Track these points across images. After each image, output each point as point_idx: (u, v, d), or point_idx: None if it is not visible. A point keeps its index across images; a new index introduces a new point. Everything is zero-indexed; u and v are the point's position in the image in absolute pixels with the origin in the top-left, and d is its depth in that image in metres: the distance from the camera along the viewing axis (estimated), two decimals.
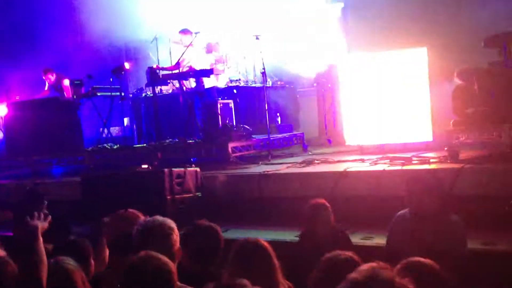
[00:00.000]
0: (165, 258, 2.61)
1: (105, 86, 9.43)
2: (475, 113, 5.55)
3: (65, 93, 9.45)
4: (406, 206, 3.97)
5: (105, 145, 8.57)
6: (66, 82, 9.47)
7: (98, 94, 9.20)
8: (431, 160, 5.58)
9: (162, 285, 2.52)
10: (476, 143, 5.17)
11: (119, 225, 3.54)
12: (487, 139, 5.12)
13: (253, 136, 7.98)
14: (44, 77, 9.65)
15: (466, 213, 4.09)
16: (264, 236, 4.31)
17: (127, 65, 9.50)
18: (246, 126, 8.04)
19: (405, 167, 5.46)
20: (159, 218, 3.15)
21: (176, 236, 3.11)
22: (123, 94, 9.42)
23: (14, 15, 11.28)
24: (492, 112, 5.44)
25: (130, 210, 3.72)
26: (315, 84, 9.28)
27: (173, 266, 2.65)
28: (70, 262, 2.82)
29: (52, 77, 9.59)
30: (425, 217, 3.76)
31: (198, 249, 3.33)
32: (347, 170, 5.69)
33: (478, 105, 5.47)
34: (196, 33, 9.15)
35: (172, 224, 3.14)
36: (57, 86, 9.61)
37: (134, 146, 8.36)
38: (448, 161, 5.33)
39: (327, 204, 4.14)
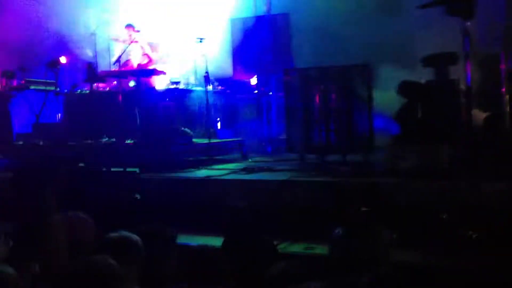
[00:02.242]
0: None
1: (39, 80, 9.07)
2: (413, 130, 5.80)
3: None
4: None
5: (36, 141, 8.20)
6: None
7: (31, 87, 8.83)
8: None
9: None
10: (416, 157, 5.35)
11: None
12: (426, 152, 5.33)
13: (194, 140, 7.92)
14: None
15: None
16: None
17: (63, 59, 9.20)
18: (187, 130, 7.97)
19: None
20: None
21: None
22: (57, 89, 9.10)
23: None
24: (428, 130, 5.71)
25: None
26: (256, 91, 9.33)
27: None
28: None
29: None
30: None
31: None
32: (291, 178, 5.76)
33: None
34: (138, 30, 9.02)
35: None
36: None
37: (68, 143, 8.05)
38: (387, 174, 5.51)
39: None
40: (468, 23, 5.34)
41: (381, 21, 8.61)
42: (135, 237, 3.12)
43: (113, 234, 3.14)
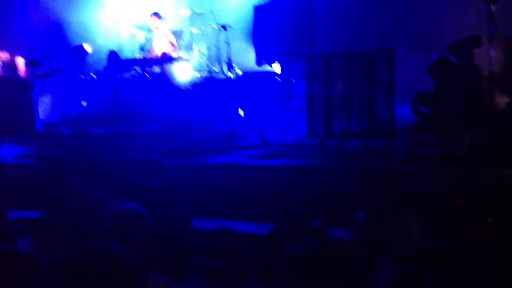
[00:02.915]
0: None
1: (63, 68, 9.20)
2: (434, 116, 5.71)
3: (19, 72, 9.10)
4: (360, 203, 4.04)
5: (61, 129, 8.34)
6: (20, 61, 9.13)
7: (55, 75, 8.97)
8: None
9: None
10: (436, 142, 5.29)
11: None
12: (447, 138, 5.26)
13: (217, 126, 7.96)
14: None
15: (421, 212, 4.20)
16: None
17: (87, 47, 9.30)
18: (209, 116, 8.01)
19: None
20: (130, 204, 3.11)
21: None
22: (82, 76, 9.21)
23: None
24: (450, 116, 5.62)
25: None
26: (278, 79, 9.28)
27: None
28: None
29: (4, 56, 9.22)
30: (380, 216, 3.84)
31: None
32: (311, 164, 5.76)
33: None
34: (163, 18, 9.07)
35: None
36: (10, 65, 9.25)
37: (91, 132, 8.16)
38: (408, 160, 5.45)
39: None
40: (493, 7, 5.22)
41: (405, 4, 8.47)
42: (143, 210, 3.12)
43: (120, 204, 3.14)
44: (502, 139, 5.01)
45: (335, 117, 6.78)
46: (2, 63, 9.24)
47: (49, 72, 8.76)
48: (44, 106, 9.31)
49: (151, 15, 9.19)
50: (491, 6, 5.22)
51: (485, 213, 4.16)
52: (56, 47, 10.08)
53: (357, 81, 6.72)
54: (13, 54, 9.23)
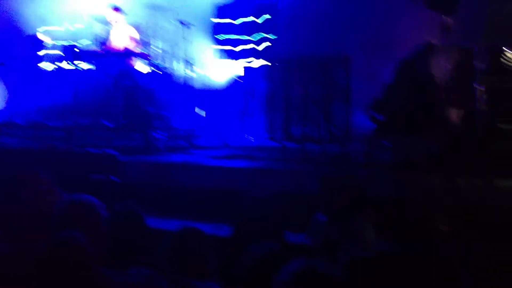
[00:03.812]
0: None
1: (17, 58, 8.97)
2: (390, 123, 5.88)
3: None
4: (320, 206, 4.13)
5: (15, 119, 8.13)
6: None
7: (9, 64, 8.74)
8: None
9: None
10: (392, 149, 5.45)
11: None
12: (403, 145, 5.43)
13: (175, 125, 7.93)
14: None
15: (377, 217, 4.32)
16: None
17: (43, 37, 9.08)
18: (168, 114, 7.97)
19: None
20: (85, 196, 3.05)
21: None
22: (37, 66, 8.99)
23: None
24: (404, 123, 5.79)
25: None
26: (238, 80, 9.32)
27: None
28: None
29: None
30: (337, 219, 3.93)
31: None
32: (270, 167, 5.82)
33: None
34: (122, 12, 8.94)
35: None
36: None
37: (47, 123, 7.99)
38: (365, 165, 5.59)
39: None
40: (448, 18, 5.40)
41: (361, 9, 8.64)
42: (98, 203, 3.08)
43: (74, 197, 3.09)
44: (455, 148, 5.20)
45: (294, 120, 6.88)
46: None
47: (2, 62, 8.50)
48: None
49: (110, 8, 9.03)
50: (446, 16, 5.39)
51: (437, 219, 4.32)
52: (12, 36, 9.80)
53: (314, 85, 6.85)
54: None
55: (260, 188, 5.56)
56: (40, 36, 9.06)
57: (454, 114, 5.77)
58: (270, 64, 7.45)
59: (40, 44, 8.96)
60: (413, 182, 5.03)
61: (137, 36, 9.19)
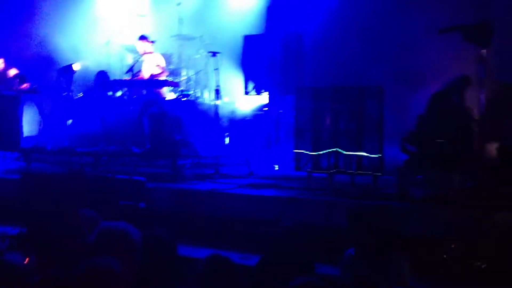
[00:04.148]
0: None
1: (50, 85, 9.14)
2: (424, 155, 5.76)
3: (8, 84, 9.00)
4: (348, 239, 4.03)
5: (45, 145, 8.23)
6: (13, 71, 9.03)
7: (43, 91, 8.90)
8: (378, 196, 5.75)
9: None
10: (426, 182, 5.33)
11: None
12: (437, 179, 5.30)
13: (201, 153, 7.92)
14: None
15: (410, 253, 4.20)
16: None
17: (76, 66, 9.25)
18: (194, 142, 7.97)
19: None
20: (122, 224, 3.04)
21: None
22: (68, 94, 9.14)
23: None
24: (439, 156, 5.66)
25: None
26: (266, 109, 9.33)
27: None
28: None
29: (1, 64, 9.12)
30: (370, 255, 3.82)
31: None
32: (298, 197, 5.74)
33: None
34: (153, 41, 9.07)
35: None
36: (3, 75, 9.13)
37: (76, 149, 8.05)
38: (397, 198, 5.47)
39: None
40: (484, 51, 5.34)
41: (394, 43, 8.64)
42: (134, 230, 3.07)
43: (112, 224, 3.08)
44: (491, 182, 5.06)
45: (323, 150, 6.80)
46: None
47: (37, 88, 8.67)
48: (29, 121, 9.19)
49: (139, 38, 9.18)
50: (483, 49, 5.33)
51: (473, 257, 4.17)
52: (46, 65, 10.04)
53: (345, 116, 6.76)
54: (7, 63, 9.13)
55: (287, 218, 5.48)
56: (72, 65, 9.23)
57: (489, 147, 5.64)
58: (297, 93, 7.41)
59: (72, 73, 9.12)
60: (448, 217, 4.88)
61: (165, 65, 9.31)
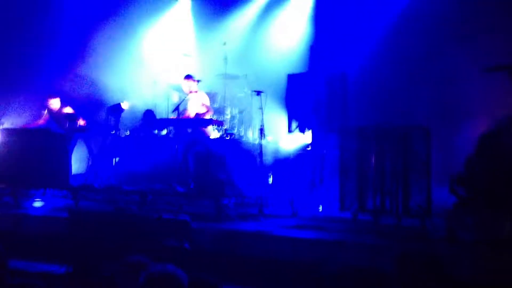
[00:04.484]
0: None
1: (99, 124, 9.42)
2: (474, 198, 5.59)
3: (65, 121, 9.31)
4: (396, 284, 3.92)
5: (92, 183, 8.42)
6: (68, 110, 9.35)
7: (91, 129, 9.17)
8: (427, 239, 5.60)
9: None
10: (476, 226, 5.17)
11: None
12: (488, 222, 5.13)
13: (245, 192, 7.92)
14: (47, 102, 9.48)
15: None
16: None
17: (124, 105, 9.49)
18: (238, 181, 7.99)
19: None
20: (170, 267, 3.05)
21: None
22: (116, 132, 9.37)
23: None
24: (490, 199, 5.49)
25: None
26: (309, 148, 9.31)
27: None
28: None
29: (56, 104, 9.45)
30: None
31: None
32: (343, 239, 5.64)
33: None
34: (198, 80, 9.24)
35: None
36: (57, 113, 9.46)
37: (123, 187, 8.20)
38: (446, 242, 5.31)
39: None
40: None
41: (439, 80, 8.56)
42: (182, 274, 3.07)
43: (160, 268, 3.09)
44: None
45: (368, 191, 6.70)
46: (50, 111, 9.43)
47: (86, 126, 8.94)
48: (78, 159, 9.47)
49: (185, 78, 9.38)
50: None
51: None
52: (95, 105, 10.39)
53: (391, 156, 6.66)
54: (63, 105, 9.46)
55: (332, 261, 5.39)
56: (121, 104, 9.49)
57: None
58: (341, 132, 7.36)
59: (120, 112, 9.37)
60: (499, 262, 4.70)
61: (210, 103, 9.46)
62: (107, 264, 3.85)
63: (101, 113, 9.91)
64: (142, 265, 3.48)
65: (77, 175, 9.25)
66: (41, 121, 9.51)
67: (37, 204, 8.24)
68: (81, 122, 9.15)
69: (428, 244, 5.37)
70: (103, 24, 11.29)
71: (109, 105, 9.54)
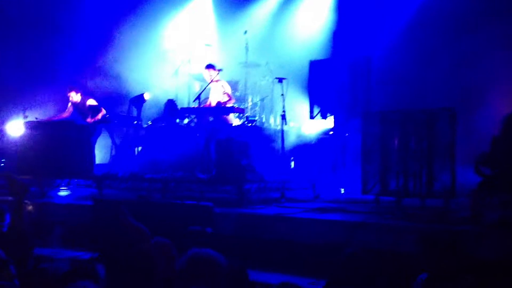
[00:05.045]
0: None
1: (121, 114, 9.51)
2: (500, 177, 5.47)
3: (85, 114, 9.44)
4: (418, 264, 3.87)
5: (115, 172, 8.51)
6: (90, 102, 9.47)
7: (114, 120, 9.26)
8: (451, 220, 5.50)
9: None
10: (501, 205, 5.06)
11: None
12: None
13: (267, 177, 7.91)
14: (68, 95, 9.63)
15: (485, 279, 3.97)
16: (277, 279, 4.25)
17: (146, 95, 9.56)
18: (260, 167, 7.97)
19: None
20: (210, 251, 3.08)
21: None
22: (139, 123, 9.45)
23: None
24: None
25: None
26: (331, 133, 9.25)
27: None
28: None
29: (76, 96, 9.58)
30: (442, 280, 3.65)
31: None
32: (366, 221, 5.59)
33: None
34: (219, 69, 9.25)
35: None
36: (81, 106, 9.59)
37: (145, 176, 8.27)
38: (471, 222, 5.21)
39: None
40: None
41: (462, 62, 8.40)
42: (221, 258, 3.09)
43: (199, 251, 3.11)
44: None
45: (391, 173, 6.62)
46: (73, 103, 9.59)
47: (109, 117, 9.04)
48: (101, 150, 9.59)
49: (206, 67, 9.39)
50: None
51: None
52: (118, 95, 10.51)
53: (415, 139, 6.59)
54: (84, 94, 9.60)
55: (355, 243, 5.34)
56: (143, 94, 9.56)
57: None
58: (364, 117, 7.29)
59: (143, 102, 9.44)
60: None
61: (232, 91, 9.46)
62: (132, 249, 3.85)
63: (123, 104, 9.99)
64: (168, 248, 3.50)
65: (101, 165, 9.35)
66: (65, 114, 9.66)
67: (63, 193, 8.41)
68: (103, 111, 9.25)
69: (452, 225, 5.27)
70: (125, 17, 11.39)
71: (131, 96, 9.60)
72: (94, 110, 9.29)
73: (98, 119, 9.25)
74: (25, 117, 9.00)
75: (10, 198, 4.93)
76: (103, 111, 9.32)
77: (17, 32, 11.09)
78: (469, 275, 3.73)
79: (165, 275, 3.30)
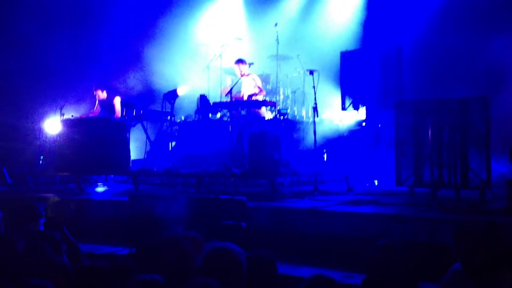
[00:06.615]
0: None
1: (155, 110, 9.64)
2: None
3: (115, 110, 9.61)
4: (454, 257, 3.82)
5: (150, 168, 8.65)
6: (117, 99, 9.65)
7: (148, 116, 9.40)
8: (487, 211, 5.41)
9: None
10: None
11: None
12: None
13: (300, 170, 7.92)
14: (94, 93, 9.84)
15: None
16: (310, 272, 4.26)
17: (180, 90, 9.66)
18: (293, 160, 7.99)
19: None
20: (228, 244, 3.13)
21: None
22: (172, 118, 9.57)
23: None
24: None
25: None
26: (364, 124, 9.18)
27: None
28: None
29: (102, 94, 9.78)
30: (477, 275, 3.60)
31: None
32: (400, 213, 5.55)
33: None
34: (250, 63, 9.28)
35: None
36: (107, 104, 9.77)
37: (179, 171, 8.38)
38: (507, 213, 5.13)
39: None
40: None
41: (496, 51, 8.21)
42: (240, 251, 3.13)
43: (218, 246, 3.16)
44: None
45: (425, 165, 6.55)
46: (101, 102, 9.80)
47: (143, 113, 9.18)
48: (136, 145, 9.75)
49: (236, 62, 9.43)
50: None
51: None
52: (152, 91, 10.65)
53: (449, 129, 6.49)
54: (111, 94, 9.78)
55: (389, 235, 5.31)
56: (176, 90, 9.66)
57: None
58: (397, 107, 7.22)
59: (176, 97, 9.54)
60: None
61: (263, 85, 9.49)
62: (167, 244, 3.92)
63: (157, 99, 10.12)
64: (200, 242, 3.57)
65: (136, 161, 9.52)
66: (94, 112, 9.87)
67: (99, 189, 8.60)
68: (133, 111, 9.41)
69: (488, 216, 5.19)
70: (157, 13, 11.51)
71: (165, 92, 9.72)
72: (128, 106, 9.44)
73: (132, 115, 9.40)
74: (62, 114, 9.19)
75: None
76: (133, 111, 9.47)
77: (55, 28, 11.31)
78: (507, 269, 3.67)
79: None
